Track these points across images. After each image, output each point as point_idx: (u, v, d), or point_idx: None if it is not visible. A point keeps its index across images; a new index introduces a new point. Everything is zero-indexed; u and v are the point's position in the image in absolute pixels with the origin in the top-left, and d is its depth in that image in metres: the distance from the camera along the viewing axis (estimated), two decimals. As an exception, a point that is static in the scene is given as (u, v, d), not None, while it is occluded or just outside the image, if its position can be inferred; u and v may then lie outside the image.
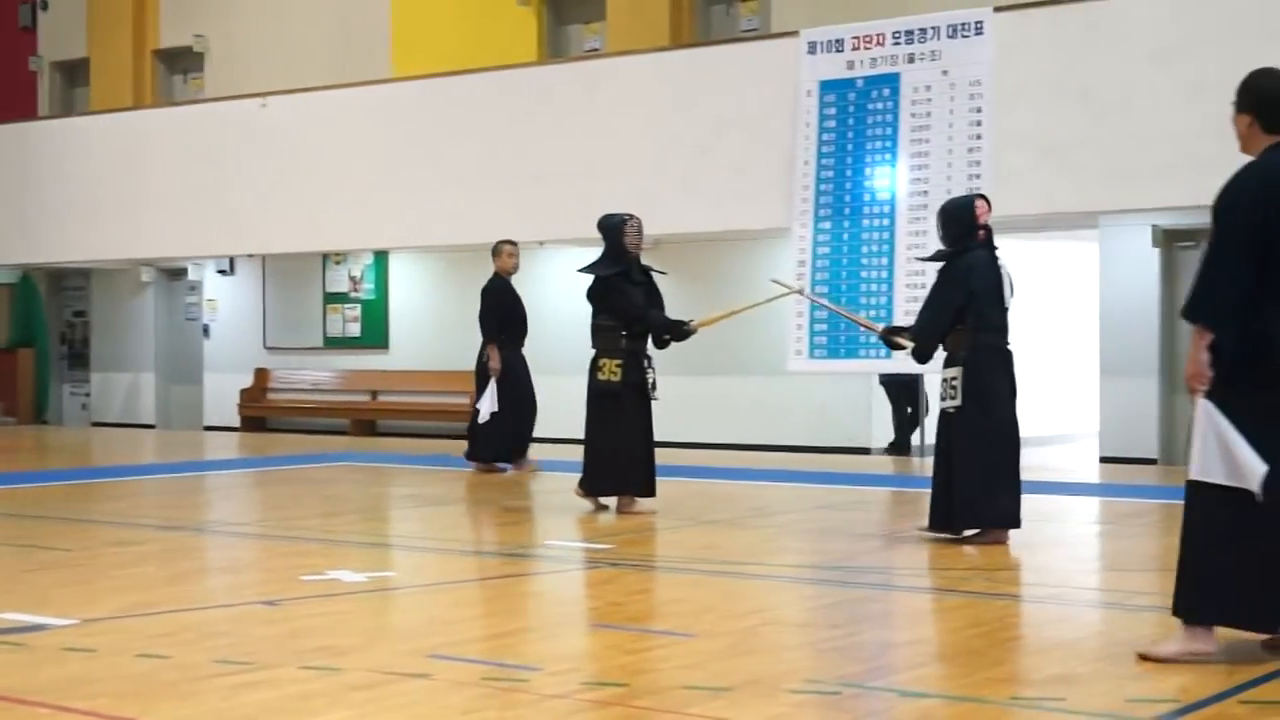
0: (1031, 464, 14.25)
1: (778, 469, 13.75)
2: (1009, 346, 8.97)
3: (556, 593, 7.68)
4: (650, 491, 10.41)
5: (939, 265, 9.09)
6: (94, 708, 4.83)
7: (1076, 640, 5.92)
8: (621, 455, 10.31)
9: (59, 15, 23.94)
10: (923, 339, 9.06)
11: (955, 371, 8.84)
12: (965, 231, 8.94)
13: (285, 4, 21.42)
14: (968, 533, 8.88)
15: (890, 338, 9.52)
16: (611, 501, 10.53)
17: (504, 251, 14.08)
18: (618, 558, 8.46)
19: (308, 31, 21.14)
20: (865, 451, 16.22)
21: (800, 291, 11.46)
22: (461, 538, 9.34)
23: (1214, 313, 5.50)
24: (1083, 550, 9.03)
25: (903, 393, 16.04)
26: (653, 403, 10.45)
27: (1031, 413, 16.97)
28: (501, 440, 13.81)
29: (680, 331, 10.49)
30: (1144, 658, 5.50)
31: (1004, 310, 8.94)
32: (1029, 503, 10.75)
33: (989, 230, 9.01)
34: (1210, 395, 5.47)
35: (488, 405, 13.65)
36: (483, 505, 11.48)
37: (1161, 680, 5.22)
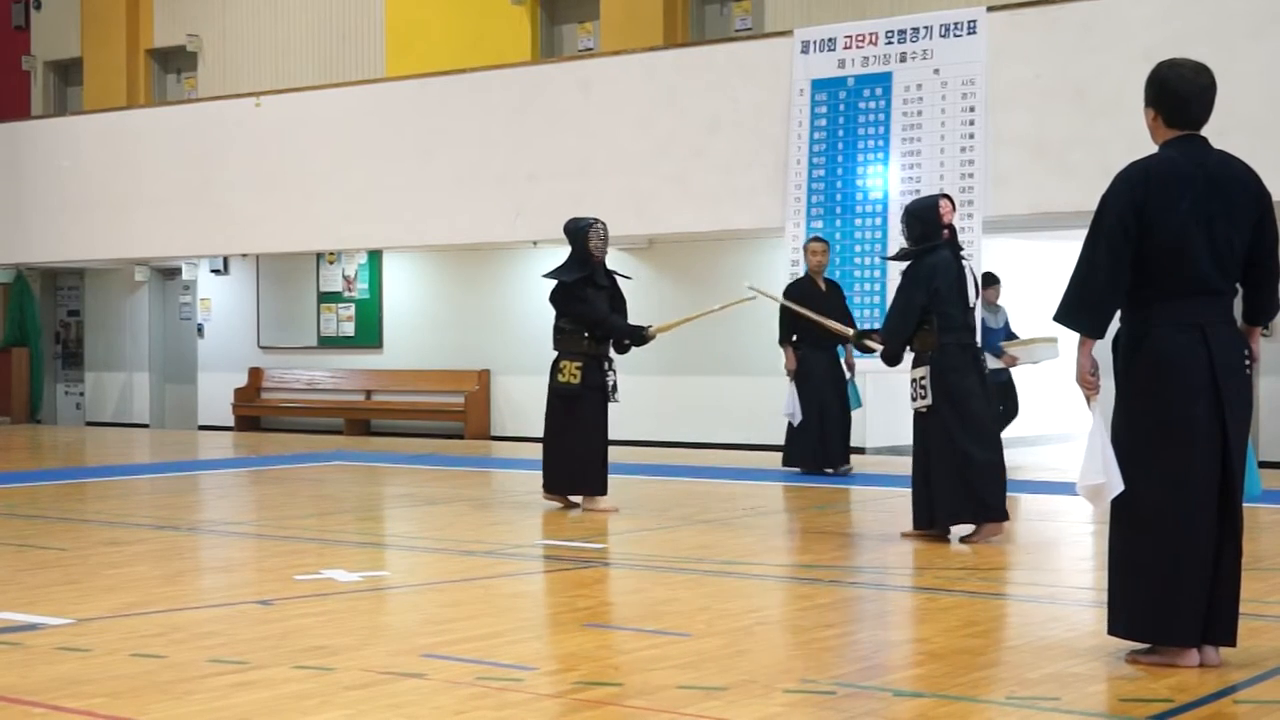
0: (1029, 463, 14.29)
1: (772, 469, 13.74)
2: (975, 343, 9.06)
3: (550, 592, 7.67)
4: (602, 490, 10.51)
5: (904, 266, 9.17)
6: (88, 707, 4.83)
7: (1071, 640, 5.92)
8: (579, 455, 10.46)
9: (52, 15, 23.92)
10: (890, 341, 9.12)
11: (924, 371, 8.88)
12: (930, 231, 8.99)
13: (279, 3, 21.41)
14: (963, 532, 8.89)
15: (861, 341, 9.57)
16: (579, 499, 10.62)
17: (808, 249, 13.48)
18: (612, 558, 8.45)
19: (301, 31, 21.14)
20: (860, 451, 16.21)
21: (775, 297, 11.45)
22: (455, 537, 9.33)
23: (1080, 315, 5.42)
24: (1078, 549, 9.03)
25: (997, 390, 15.84)
26: (610, 405, 10.57)
27: (1030, 412, 17.07)
28: (810, 444, 13.26)
29: (639, 337, 10.62)
30: (1132, 660, 5.49)
31: (968, 309, 9.01)
32: (1027, 502, 10.74)
33: (953, 230, 9.08)
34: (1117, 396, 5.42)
35: (792, 409, 13.19)
36: (476, 505, 11.47)
37: (1156, 680, 5.22)
